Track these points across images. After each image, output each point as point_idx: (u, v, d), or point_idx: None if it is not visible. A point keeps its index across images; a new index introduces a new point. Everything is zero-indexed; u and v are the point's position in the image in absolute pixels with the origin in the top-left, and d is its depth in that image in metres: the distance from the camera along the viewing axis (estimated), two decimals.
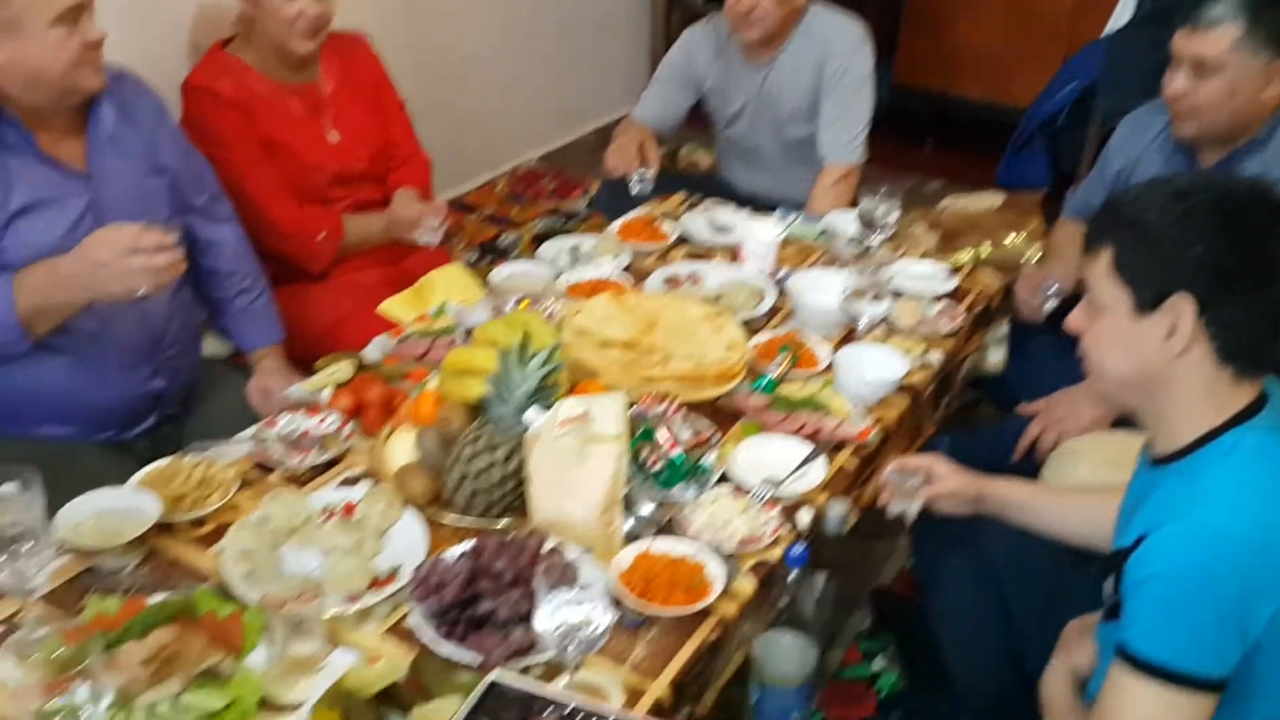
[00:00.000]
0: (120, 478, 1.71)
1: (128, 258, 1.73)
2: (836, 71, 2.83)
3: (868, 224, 2.46)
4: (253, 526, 1.60)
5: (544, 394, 1.66)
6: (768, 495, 1.73)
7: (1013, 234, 2.97)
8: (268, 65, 2.49)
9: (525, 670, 1.40)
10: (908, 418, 2.07)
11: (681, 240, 2.65)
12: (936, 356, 2.19)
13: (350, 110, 2.59)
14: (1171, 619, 1.26)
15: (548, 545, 1.53)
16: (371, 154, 2.63)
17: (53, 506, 1.47)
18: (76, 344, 1.92)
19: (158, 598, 1.47)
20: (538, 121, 4.68)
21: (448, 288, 2.35)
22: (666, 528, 1.66)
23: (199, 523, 1.67)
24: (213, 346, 2.42)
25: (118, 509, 1.61)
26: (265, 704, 1.35)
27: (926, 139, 4.79)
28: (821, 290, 2.28)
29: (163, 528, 1.62)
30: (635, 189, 2.77)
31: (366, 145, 2.62)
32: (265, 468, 1.81)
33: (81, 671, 1.19)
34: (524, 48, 4.40)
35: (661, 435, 1.76)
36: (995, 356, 2.53)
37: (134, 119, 2.01)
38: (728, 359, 1.98)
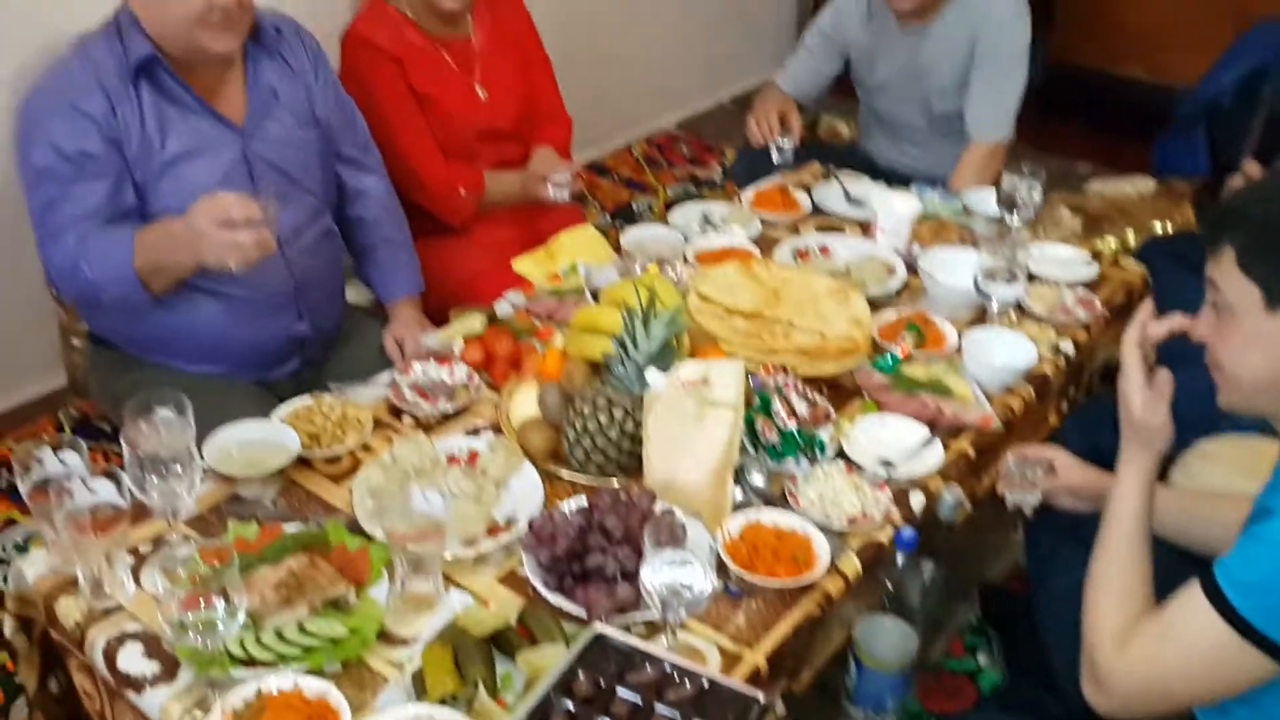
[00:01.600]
0: (263, 414, 1.81)
1: (218, 230, 1.73)
2: (992, 44, 2.75)
3: (1008, 203, 2.40)
4: (383, 466, 1.68)
5: (665, 356, 1.68)
6: (882, 476, 1.73)
7: (1162, 222, 2.85)
8: (422, 18, 2.53)
9: (628, 627, 1.44)
10: (1033, 408, 2.03)
11: (815, 211, 2.63)
12: (1069, 346, 2.13)
13: (500, 66, 2.63)
14: (1276, 590, 1.23)
15: (659, 507, 1.57)
16: (517, 111, 2.67)
17: (199, 436, 1.57)
18: (225, 288, 2.00)
19: (292, 527, 1.56)
20: (677, 85, 4.66)
21: (578, 248, 2.39)
22: (776, 500, 1.68)
23: (334, 460, 1.76)
24: (356, 294, 2.52)
25: (261, 441, 1.72)
26: (384, 635, 1.44)
27: (1076, 117, 4.62)
28: (954, 270, 2.23)
29: (301, 462, 1.72)
30: (776, 158, 2.74)
31: (513, 102, 2.66)
32: (397, 412, 1.89)
33: (219, 590, 1.28)
34: (668, 7, 4.39)
35: (778, 407, 1.77)
36: None
37: (293, 70, 2.09)
38: (851, 335, 1.97)
